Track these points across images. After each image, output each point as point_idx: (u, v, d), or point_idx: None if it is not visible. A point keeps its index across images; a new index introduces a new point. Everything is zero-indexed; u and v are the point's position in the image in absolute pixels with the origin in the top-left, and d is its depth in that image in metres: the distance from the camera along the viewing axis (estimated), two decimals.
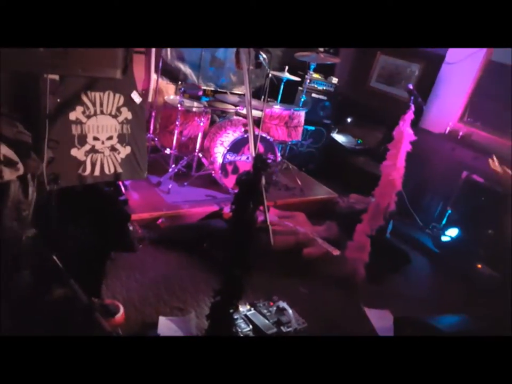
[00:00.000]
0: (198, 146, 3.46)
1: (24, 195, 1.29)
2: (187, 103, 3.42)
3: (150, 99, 3.68)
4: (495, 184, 3.64)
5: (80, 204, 1.89)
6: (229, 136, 3.41)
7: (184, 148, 3.56)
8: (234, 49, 1.97)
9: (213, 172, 3.51)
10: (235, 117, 3.74)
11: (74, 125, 1.86)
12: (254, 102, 3.70)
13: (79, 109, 1.84)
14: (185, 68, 4.12)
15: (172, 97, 3.64)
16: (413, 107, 2.70)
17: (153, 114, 3.53)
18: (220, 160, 3.37)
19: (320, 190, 4.20)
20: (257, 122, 4.04)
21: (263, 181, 1.63)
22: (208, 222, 3.06)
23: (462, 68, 4.17)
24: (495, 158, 1.69)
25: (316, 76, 4.71)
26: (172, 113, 3.44)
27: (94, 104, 1.88)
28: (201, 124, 3.41)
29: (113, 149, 2.02)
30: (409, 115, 2.69)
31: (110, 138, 1.99)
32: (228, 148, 3.33)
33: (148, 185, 3.31)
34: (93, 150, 1.97)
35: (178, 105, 3.26)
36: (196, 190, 3.45)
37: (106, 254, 2.15)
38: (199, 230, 3.00)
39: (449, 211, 3.98)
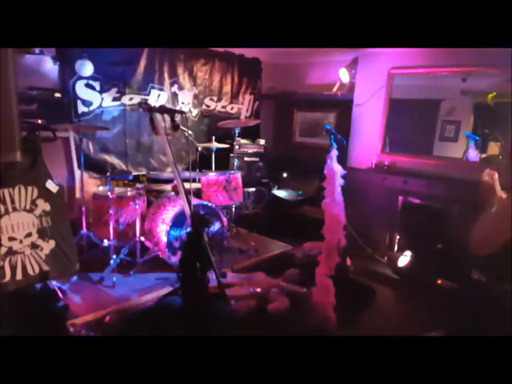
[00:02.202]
0: (138, 230, 3.30)
1: None
2: (118, 189, 3.31)
3: (77, 195, 3.52)
4: (430, 202, 3.86)
5: (3, 318, 1.63)
6: (169, 212, 3.30)
7: (124, 236, 3.37)
8: (168, 150, 1.94)
9: (160, 252, 3.32)
10: (172, 193, 3.68)
11: None
12: (188, 174, 3.68)
13: None
14: (111, 159, 4.07)
15: (101, 188, 3.52)
16: (334, 144, 2.84)
17: (83, 210, 3.35)
18: (164, 238, 3.21)
19: (274, 246, 4.14)
20: (197, 194, 4.04)
21: (205, 237, 1.54)
22: (164, 302, 2.80)
23: (370, 106, 4.59)
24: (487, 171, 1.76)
25: (243, 141, 4.91)
26: (103, 203, 3.29)
27: (4, 202, 1.70)
28: (137, 207, 3.29)
29: (34, 246, 1.82)
30: (334, 152, 2.82)
31: (29, 235, 1.80)
32: (170, 224, 3.20)
33: (90, 284, 3.02)
34: (11, 252, 1.75)
35: (109, 193, 3.15)
36: (144, 276, 3.20)
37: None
38: (153, 315, 2.72)
39: (398, 237, 4.11)
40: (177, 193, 3.58)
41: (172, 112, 1.79)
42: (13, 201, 1.75)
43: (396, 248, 4.15)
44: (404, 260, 3.81)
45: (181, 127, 1.95)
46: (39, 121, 3.02)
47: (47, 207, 1.87)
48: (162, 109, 1.79)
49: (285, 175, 5.55)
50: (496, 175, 1.69)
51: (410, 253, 3.81)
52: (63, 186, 2.00)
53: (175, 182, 3.72)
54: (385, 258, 4.03)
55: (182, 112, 1.86)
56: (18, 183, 1.76)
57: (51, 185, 1.86)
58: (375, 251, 4.08)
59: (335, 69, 4.70)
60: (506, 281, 1.55)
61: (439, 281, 3.46)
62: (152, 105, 1.83)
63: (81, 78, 3.73)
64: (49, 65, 3.52)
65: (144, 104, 1.80)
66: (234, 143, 4.65)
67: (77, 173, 3.53)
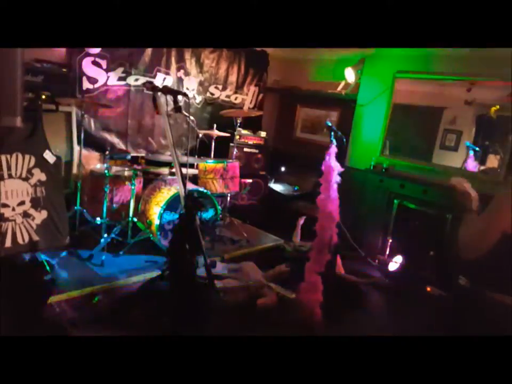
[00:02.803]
0: (131, 210, 3.30)
1: None
2: (115, 168, 3.30)
3: (74, 171, 3.51)
4: (425, 208, 3.87)
5: None
6: (164, 195, 3.31)
7: (117, 215, 3.37)
8: (162, 114, 1.94)
9: (151, 235, 3.33)
10: (169, 177, 3.68)
11: None
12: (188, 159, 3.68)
13: None
14: (111, 138, 4.06)
15: (98, 166, 3.51)
16: (334, 141, 2.85)
17: (79, 186, 3.34)
18: (156, 221, 3.22)
19: (266, 238, 4.15)
20: (193, 179, 4.05)
21: (198, 220, 1.55)
22: (150, 287, 2.81)
23: (372, 108, 4.59)
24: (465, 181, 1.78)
25: (244, 131, 4.90)
26: (99, 181, 3.29)
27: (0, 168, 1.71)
28: (133, 188, 3.28)
29: (26, 215, 1.82)
30: (333, 149, 2.83)
31: (22, 203, 1.80)
32: (164, 207, 3.20)
33: (79, 260, 3.01)
34: (2, 219, 1.75)
35: (106, 171, 3.14)
36: (133, 258, 3.20)
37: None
38: (140, 299, 2.73)
39: (390, 240, 4.13)
40: (173, 174, 3.57)
41: (174, 93, 1.78)
42: (9, 168, 1.74)
43: (387, 252, 4.16)
44: (395, 264, 3.82)
45: (183, 112, 1.95)
46: (43, 95, 3.00)
47: (42, 177, 1.87)
48: (166, 89, 1.78)
49: (283, 169, 5.55)
50: (468, 184, 1.72)
51: (402, 258, 3.83)
52: (61, 158, 1.99)
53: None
54: (377, 261, 4.04)
55: (184, 94, 1.85)
56: (16, 150, 1.75)
57: (49, 156, 1.86)
58: (367, 253, 4.10)
59: (342, 68, 4.69)
60: (490, 287, 1.57)
61: (428, 289, 3.48)
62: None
63: (88, 54, 3.71)
64: None
65: (148, 83, 1.80)
66: (235, 132, 4.64)
67: (76, 148, 3.52)
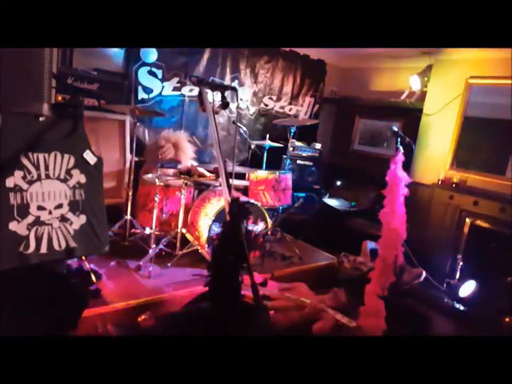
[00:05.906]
0: (180, 221, 3.19)
1: None
2: (165, 177, 3.23)
3: (125, 179, 3.50)
4: (503, 228, 3.40)
5: (23, 295, 1.52)
6: (214, 206, 3.16)
7: (166, 225, 3.28)
8: (213, 128, 1.80)
9: (199, 247, 3.18)
10: (219, 188, 3.55)
11: (13, 192, 1.57)
12: (239, 168, 3.56)
13: (18, 173, 1.57)
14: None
15: (149, 175, 3.47)
16: (401, 149, 2.53)
17: (130, 194, 3.31)
18: (205, 233, 3.07)
19: (320, 256, 3.84)
20: (244, 191, 3.88)
21: (243, 229, 1.34)
22: (197, 306, 2.63)
23: (441, 117, 4.18)
24: None
25: (298, 143, 4.69)
26: (150, 190, 3.23)
27: (37, 168, 1.62)
28: (183, 198, 3.17)
29: (63, 219, 1.72)
30: (399, 157, 2.51)
31: (60, 206, 1.70)
32: (213, 218, 3.05)
33: (126, 271, 2.94)
34: (38, 222, 1.65)
35: (156, 181, 3.07)
36: (181, 270, 3.06)
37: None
38: (187, 319, 2.55)
39: (461, 263, 3.66)
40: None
41: (222, 89, 1.62)
42: (47, 168, 1.66)
43: (457, 276, 3.70)
44: (466, 290, 3.36)
45: (237, 123, 1.80)
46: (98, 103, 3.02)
47: (82, 178, 1.78)
48: (213, 84, 1.63)
49: (338, 183, 5.24)
50: None
51: (475, 283, 3.36)
52: (102, 160, 1.90)
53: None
54: (445, 285, 3.60)
55: (233, 89, 1.69)
56: (55, 149, 1.67)
57: (89, 156, 1.77)
58: (434, 276, 3.65)
59: (404, 76, 4.38)
60: None
61: (506, 319, 3.00)
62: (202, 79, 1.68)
63: (145, 64, 3.75)
64: (115, 49, 3.55)
65: (194, 77, 1.65)
66: (289, 144, 4.43)
67: (128, 157, 3.51)
